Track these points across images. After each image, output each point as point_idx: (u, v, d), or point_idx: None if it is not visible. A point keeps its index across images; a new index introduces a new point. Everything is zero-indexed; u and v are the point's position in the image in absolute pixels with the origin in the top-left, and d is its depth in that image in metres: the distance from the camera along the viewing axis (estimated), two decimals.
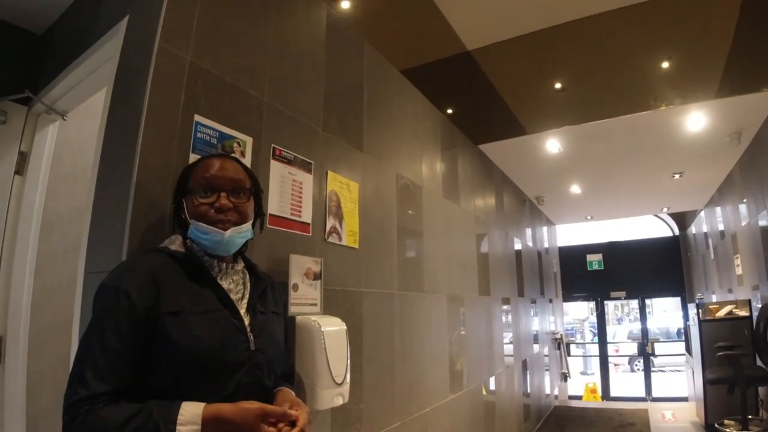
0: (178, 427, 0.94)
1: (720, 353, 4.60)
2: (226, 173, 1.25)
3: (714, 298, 7.39)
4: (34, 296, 2.33)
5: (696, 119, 4.20)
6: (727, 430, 4.70)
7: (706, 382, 4.97)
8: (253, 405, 1.04)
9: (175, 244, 1.23)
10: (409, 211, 2.99)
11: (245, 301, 1.26)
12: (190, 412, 0.97)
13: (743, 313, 5.27)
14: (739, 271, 5.87)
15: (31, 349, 2.27)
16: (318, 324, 1.73)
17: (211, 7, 1.68)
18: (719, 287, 7.16)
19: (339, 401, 1.74)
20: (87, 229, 1.53)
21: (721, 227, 6.74)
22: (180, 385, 1.04)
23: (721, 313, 5.47)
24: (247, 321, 1.21)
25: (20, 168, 2.33)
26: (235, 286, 1.27)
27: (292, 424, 1.08)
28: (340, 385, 1.72)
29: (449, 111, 3.94)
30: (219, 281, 1.22)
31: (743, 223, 5.47)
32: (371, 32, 2.80)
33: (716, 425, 4.88)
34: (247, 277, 1.32)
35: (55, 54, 2.35)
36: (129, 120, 1.46)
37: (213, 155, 1.36)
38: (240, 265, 1.32)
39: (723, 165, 5.67)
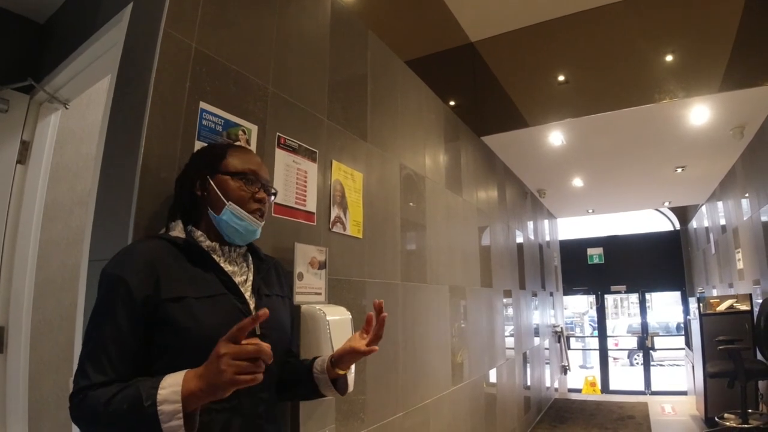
0: (159, 391, 0.92)
1: (720, 347, 4.62)
2: (264, 171, 1.33)
3: (715, 293, 7.40)
4: (36, 286, 2.33)
5: (699, 113, 4.18)
6: (727, 423, 4.72)
7: (707, 376, 4.99)
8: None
9: (175, 231, 1.22)
10: (410, 203, 2.98)
11: (249, 284, 1.25)
12: (172, 377, 0.95)
13: (744, 307, 5.30)
14: (740, 265, 5.88)
15: (33, 339, 2.27)
16: (323, 313, 1.72)
17: None
18: (720, 282, 7.17)
19: None
20: (91, 217, 1.52)
21: (722, 222, 6.74)
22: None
23: (722, 308, 5.48)
24: (252, 304, 1.20)
25: (22, 157, 2.32)
26: (240, 269, 1.26)
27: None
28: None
29: (452, 102, 3.92)
30: (221, 265, 1.21)
31: (745, 218, 5.47)
32: (376, 22, 2.78)
33: (716, 419, 4.91)
34: (250, 259, 1.32)
35: (58, 42, 2.33)
36: (134, 107, 1.45)
37: (242, 147, 1.41)
38: (243, 248, 1.31)
39: (725, 159, 5.67)
